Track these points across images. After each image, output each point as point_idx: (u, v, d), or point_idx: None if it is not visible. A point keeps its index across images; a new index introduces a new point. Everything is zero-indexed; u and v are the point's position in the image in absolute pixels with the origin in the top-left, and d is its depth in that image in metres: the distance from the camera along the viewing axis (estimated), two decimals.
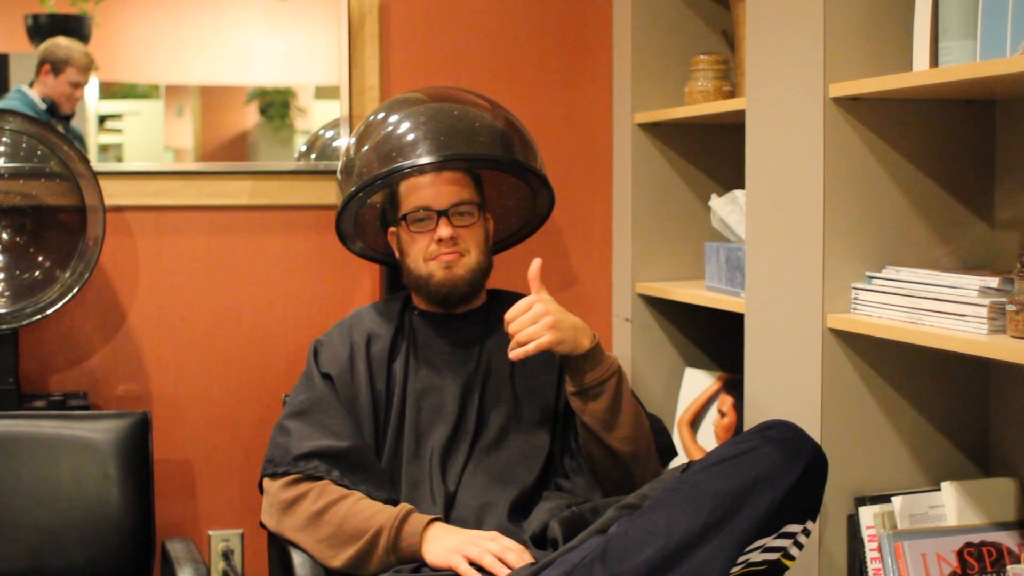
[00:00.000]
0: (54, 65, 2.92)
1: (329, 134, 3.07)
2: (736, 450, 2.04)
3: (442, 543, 2.20)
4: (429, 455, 2.39)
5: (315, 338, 2.53)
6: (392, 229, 2.53)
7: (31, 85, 2.93)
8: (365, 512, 2.25)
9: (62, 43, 2.93)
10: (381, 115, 2.60)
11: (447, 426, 2.41)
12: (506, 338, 2.47)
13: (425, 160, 2.45)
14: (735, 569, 2.00)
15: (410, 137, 2.50)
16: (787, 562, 2.08)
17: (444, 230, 2.41)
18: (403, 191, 2.47)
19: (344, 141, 2.94)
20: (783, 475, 1.99)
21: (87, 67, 2.95)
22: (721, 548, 1.95)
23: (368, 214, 2.68)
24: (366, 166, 2.52)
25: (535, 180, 2.64)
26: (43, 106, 2.91)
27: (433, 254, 2.43)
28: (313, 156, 3.07)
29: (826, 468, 2.07)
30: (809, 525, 2.07)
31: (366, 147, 2.56)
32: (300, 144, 3.11)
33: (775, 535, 2.03)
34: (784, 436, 2.05)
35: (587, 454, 2.40)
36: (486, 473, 2.38)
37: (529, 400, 2.47)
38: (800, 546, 2.07)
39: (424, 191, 2.43)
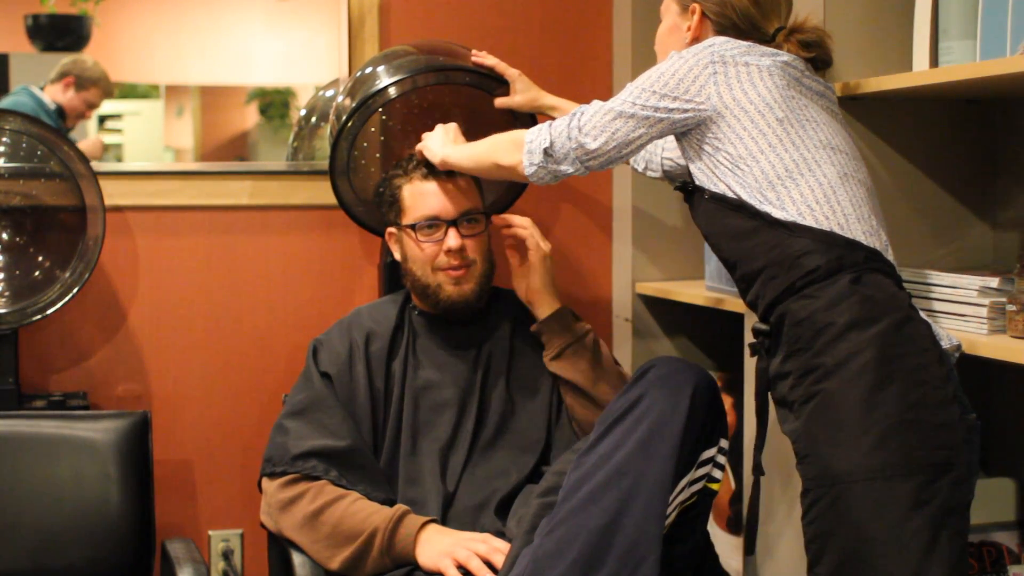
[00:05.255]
0: (79, 81, 2.93)
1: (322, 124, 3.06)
2: (622, 407, 2.07)
3: (434, 546, 2.21)
4: (428, 454, 2.40)
5: (315, 337, 2.53)
6: (391, 230, 2.53)
7: (42, 88, 2.93)
8: (361, 513, 2.26)
9: (90, 63, 2.94)
10: (368, 69, 2.66)
11: (446, 425, 2.41)
12: (505, 337, 2.49)
13: (402, 76, 2.54)
14: (668, 519, 2.02)
15: (392, 66, 2.61)
16: (713, 485, 2.13)
17: (454, 241, 2.41)
18: (407, 197, 2.46)
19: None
20: (673, 414, 2.03)
21: (108, 93, 2.97)
22: (647, 509, 1.98)
23: (363, 180, 2.69)
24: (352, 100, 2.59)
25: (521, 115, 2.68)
26: (52, 107, 2.92)
27: (441, 265, 2.43)
28: (301, 151, 3.07)
29: (715, 386, 2.11)
30: (723, 443, 2.12)
31: (352, 90, 2.63)
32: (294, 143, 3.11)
33: (694, 468, 2.06)
34: (663, 374, 2.08)
35: (578, 423, 2.44)
36: (484, 472, 2.38)
37: (526, 398, 2.48)
38: (720, 466, 2.11)
39: (431, 199, 2.43)
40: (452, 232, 2.42)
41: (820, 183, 1.90)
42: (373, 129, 2.78)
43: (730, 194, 1.94)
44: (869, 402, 1.79)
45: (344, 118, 2.60)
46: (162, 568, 2.48)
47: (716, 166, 1.96)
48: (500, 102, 2.64)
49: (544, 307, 2.48)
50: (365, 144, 2.78)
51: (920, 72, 2.11)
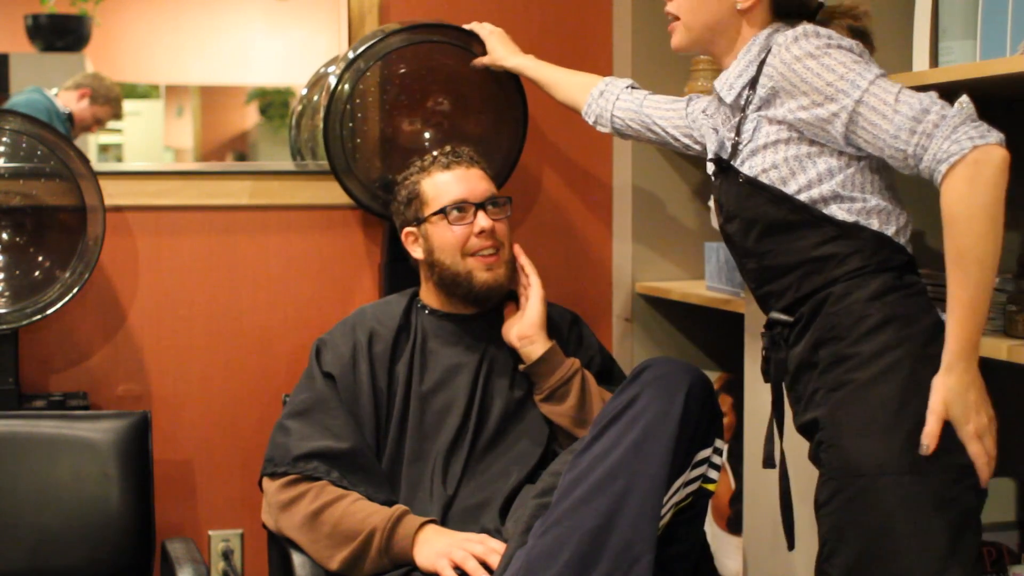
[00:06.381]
0: (95, 95, 2.94)
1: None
2: (617, 407, 2.07)
3: (431, 546, 2.21)
4: (432, 458, 2.39)
5: (317, 337, 2.53)
6: (409, 230, 2.53)
7: (55, 93, 2.93)
8: (360, 513, 2.26)
9: (108, 82, 2.96)
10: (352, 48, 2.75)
11: (451, 429, 2.41)
12: None
13: (375, 40, 2.64)
14: (663, 520, 2.01)
15: (370, 34, 2.73)
16: (709, 486, 2.12)
17: (485, 221, 2.43)
18: (428, 189, 2.47)
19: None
20: (667, 414, 2.02)
21: (117, 115, 2.98)
22: (641, 509, 1.98)
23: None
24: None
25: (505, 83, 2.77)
26: (64, 112, 2.92)
27: (473, 248, 2.43)
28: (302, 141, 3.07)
29: (710, 386, 2.10)
30: (719, 444, 2.11)
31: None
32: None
33: (689, 468, 2.06)
34: (658, 374, 2.08)
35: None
36: (485, 472, 2.38)
37: (529, 399, 2.47)
38: (716, 467, 2.11)
39: (456, 185, 2.45)
40: (482, 214, 2.44)
41: (883, 195, 1.90)
42: (365, 124, 2.78)
43: (794, 186, 1.90)
44: (903, 398, 1.79)
45: (334, 85, 2.67)
46: (162, 568, 2.48)
47: (828, 158, 1.89)
48: (475, 62, 2.72)
49: (538, 346, 2.45)
50: (359, 140, 2.77)
51: (920, 72, 2.10)
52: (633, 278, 3.00)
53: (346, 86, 2.69)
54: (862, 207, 1.88)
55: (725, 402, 2.85)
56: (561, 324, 2.57)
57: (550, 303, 2.61)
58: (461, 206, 2.44)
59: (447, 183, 2.46)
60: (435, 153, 2.52)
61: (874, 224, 1.88)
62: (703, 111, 2.27)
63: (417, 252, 2.52)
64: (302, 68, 3.08)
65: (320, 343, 2.50)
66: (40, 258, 2.72)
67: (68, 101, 2.94)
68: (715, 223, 2.67)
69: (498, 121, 2.83)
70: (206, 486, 2.95)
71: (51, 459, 2.47)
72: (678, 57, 2.92)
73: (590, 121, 2.55)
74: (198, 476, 2.94)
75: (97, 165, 2.80)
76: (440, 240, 2.45)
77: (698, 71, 2.80)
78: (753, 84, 1.96)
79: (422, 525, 2.24)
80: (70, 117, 2.93)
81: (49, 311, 2.63)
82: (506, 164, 2.83)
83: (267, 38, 3.04)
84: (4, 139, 2.69)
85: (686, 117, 2.35)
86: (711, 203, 2.66)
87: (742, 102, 1.99)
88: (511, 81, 2.79)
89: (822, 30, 1.89)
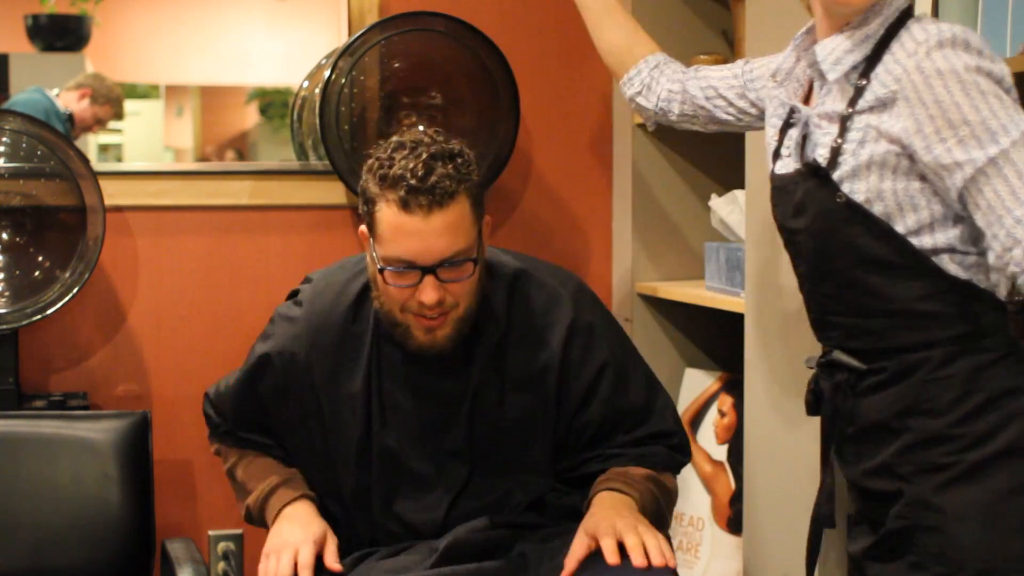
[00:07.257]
0: (95, 95, 2.95)
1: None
2: None
3: (277, 534, 2.07)
4: (416, 504, 2.12)
5: (266, 345, 2.18)
6: (363, 229, 2.03)
7: (56, 93, 2.94)
8: (253, 480, 2.22)
9: (109, 83, 2.96)
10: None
11: (434, 473, 2.10)
12: (509, 343, 2.10)
13: (367, 27, 2.66)
14: None
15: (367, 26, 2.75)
16: None
17: (428, 295, 1.93)
18: (380, 220, 1.94)
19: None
20: None
21: (118, 116, 2.99)
22: None
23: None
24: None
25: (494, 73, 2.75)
26: (65, 112, 2.93)
27: (412, 308, 1.97)
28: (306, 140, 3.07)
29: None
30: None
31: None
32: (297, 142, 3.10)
33: None
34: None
35: None
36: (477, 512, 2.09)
37: (523, 419, 2.11)
38: None
39: (407, 240, 1.92)
40: (428, 283, 1.93)
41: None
42: (360, 111, 2.78)
43: (902, 227, 1.65)
44: (1017, 485, 1.63)
45: (327, 74, 2.69)
46: (162, 568, 2.48)
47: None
48: None
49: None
50: (355, 140, 2.77)
51: None
52: (633, 278, 3.00)
53: (341, 77, 2.70)
54: (975, 261, 1.65)
55: (725, 402, 2.85)
56: (548, 328, 2.11)
57: (536, 277, 2.16)
58: (406, 267, 1.94)
59: (398, 232, 1.92)
60: (403, 169, 1.91)
61: (984, 282, 1.66)
62: (772, 75, 1.95)
63: (367, 257, 2.05)
64: (302, 68, 3.08)
65: (264, 358, 2.15)
66: (40, 258, 2.72)
67: (69, 101, 2.94)
68: (715, 223, 2.66)
69: (492, 110, 2.83)
70: (206, 486, 2.95)
71: (51, 459, 2.47)
72: (678, 55, 2.94)
73: (629, 91, 2.21)
74: (198, 476, 2.94)
75: (97, 165, 2.80)
76: (380, 286, 2.00)
77: None
78: (867, 71, 1.68)
79: (284, 506, 2.10)
80: (71, 117, 2.93)
81: (49, 311, 2.63)
82: (501, 154, 2.83)
83: (267, 38, 3.05)
84: (4, 139, 2.69)
85: (740, 76, 2.06)
86: (712, 203, 2.66)
87: (851, 87, 1.70)
88: (503, 71, 2.78)
89: (972, 39, 1.60)
